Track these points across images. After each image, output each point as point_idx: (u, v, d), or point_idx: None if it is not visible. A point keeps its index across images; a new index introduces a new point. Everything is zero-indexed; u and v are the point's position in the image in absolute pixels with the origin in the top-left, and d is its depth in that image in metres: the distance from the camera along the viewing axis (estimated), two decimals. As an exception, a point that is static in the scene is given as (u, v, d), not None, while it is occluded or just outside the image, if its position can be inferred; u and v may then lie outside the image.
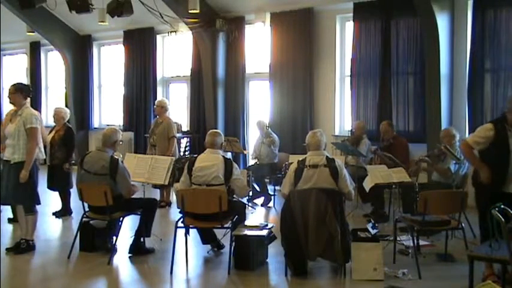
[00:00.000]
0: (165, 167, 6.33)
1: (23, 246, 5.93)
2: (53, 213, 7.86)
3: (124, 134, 11.65)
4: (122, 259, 5.79)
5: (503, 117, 4.94)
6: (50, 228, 7.33)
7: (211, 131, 5.98)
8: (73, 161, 7.82)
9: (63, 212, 7.82)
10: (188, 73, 11.87)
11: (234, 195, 5.69)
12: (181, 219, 5.50)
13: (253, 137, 10.69)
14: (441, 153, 6.71)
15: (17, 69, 15.52)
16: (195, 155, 5.92)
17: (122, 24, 12.00)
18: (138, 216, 5.91)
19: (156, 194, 8.35)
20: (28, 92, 6.00)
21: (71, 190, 7.69)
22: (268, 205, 8.69)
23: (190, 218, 5.49)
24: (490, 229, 3.79)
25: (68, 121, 8.02)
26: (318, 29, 10.15)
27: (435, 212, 5.38)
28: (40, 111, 14.37)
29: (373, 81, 9.51)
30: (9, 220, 7.33)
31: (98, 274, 5.41)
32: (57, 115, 7.89)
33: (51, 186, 7.86)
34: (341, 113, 10.23)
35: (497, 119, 5.10)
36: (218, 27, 10.65)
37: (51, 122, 8.38)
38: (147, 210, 5.92)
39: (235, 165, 5.66)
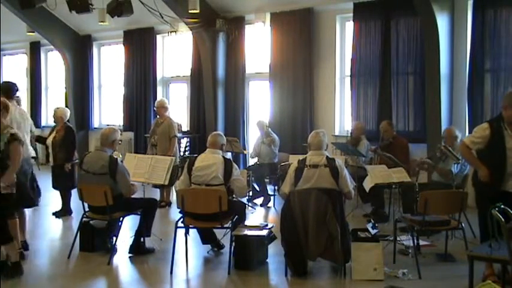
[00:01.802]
0: (165, 167, 6.33)
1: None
2: (53, 213, 7.85)
3: (124, 134, 11.67)
4: (122, 259, 5.79)
5: (499, 116, 4.95)
6: (50, 228, 7.33)
7: (213, 132, 5.98)
8: (76, 160, 7.81)
9: (63, 212, 7.81)
10: (188, 73, 11.86)
11: (234, 195, 5.70)
12: (181, 219, 5.50)
13: (253, 137, 10.68)
14: (442, 154, 6.71)
15: (17, 69, 15.51)
16: (195, 155, 5.92)
17: (122, 24, 11.99)
18: (138, 216, 5.91)
19: (156, 194, 8.34)
20: (11, 91, 5.92)
21: (72, 190, 7.68)
22: (268, 205, 8.69)
23: (190, 218, 5.49)
24: (490, 229, 3.79)
25: (68, 121, 8.03)
26: (318, 29, 10.15)
27: (435, 212, 5.39)
28: (40, 111, 14.44)
29: (373, 81, 9.50)
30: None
31: (98, 274, 5.41)
32: (56, 115, 7.89)
33: (56, 186, 7.88)
34: (341, 113, 10.22)
35: (494, 118, 5.12)
36: (218, 27, 10.65)
37: (51, 122, 8.38)
38: (147, 210, 5.92)
39: (235, 165, 5.66)
